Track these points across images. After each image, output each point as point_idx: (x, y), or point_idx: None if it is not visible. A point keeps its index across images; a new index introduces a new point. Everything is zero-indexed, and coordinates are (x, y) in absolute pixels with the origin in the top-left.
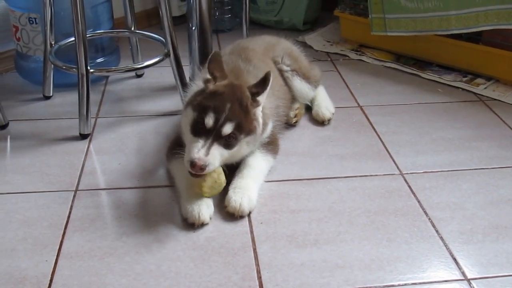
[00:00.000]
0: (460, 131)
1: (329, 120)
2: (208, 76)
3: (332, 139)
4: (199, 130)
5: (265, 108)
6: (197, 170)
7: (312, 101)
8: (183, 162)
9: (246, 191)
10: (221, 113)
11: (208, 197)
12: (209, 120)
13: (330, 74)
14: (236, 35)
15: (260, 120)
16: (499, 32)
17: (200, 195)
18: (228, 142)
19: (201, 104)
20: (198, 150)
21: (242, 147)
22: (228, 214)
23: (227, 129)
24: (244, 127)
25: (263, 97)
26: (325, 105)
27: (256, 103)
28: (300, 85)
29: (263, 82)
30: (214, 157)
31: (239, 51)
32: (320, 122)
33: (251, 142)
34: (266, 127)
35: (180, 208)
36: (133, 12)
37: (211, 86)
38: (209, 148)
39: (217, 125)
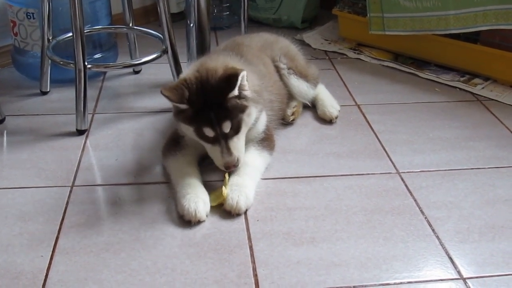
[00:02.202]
0: (457, 131)
1: (336, 117)
2: (182, 107)
3: (329, 138)
4: (207, 138)
5: (253, 85)
6: (233, 168)
7: (315, 100)
8: (180, 159)
9: (243, 188)
10: (213, 123)
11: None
12: (209, 132)
13: (328, 72)
14: (234, 32)
15: (247, 94)
16: (497, 32)
17: (197, 193)
18: (234, 130)
19: (190, 119)
20: (223, 154)
21: (246, 122)
22: (225, 211)
23: (226, 126)
24: (234, 112)
25: (235, 92)
26: (330, 103)
27: (226, 101)
28: (297, 83)
29: (228, 83)
30: (236, 148)
31: (233, 46)
32: (328, 121)
33: (250, 113)
34: (257, 106)
35: (176, 205)
36: (131, 8)
37: (181, 106)
38: (228, 147)
39: (217, 130)
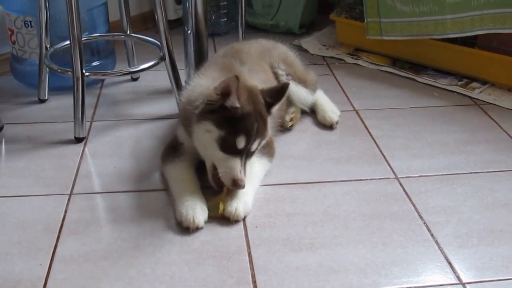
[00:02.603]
0: (455, 135)
1: (336, 122)
2: (235, 104)
3: (327, 143)
4: (229, 148)
5: None
6: (237, 188)
7: (314, 106)
8: (178, 165)
9: (242, 195)
10: (252, 135)
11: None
12: (241, 142)
13: (326, 78)
14: (232, 38)
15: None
16: (495, 36)
17: (196, 201)
18: (253, 153)
19: (228, 123)
20: (240, 171)
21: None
22: (223, 218)
23: (256, 146)
24: (264, 138)
25: (276, 107)
26: (330, 108)
27: (269, 114)
28: (296, 89)
29: (279, 93)
30: (248, 170)
31: (233, 53)
32: (328, 126)
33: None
34: None
35: (174, 212)
36: (129, 16)
37: (235, 103)
38: (244, 167)
39: (248, 145)
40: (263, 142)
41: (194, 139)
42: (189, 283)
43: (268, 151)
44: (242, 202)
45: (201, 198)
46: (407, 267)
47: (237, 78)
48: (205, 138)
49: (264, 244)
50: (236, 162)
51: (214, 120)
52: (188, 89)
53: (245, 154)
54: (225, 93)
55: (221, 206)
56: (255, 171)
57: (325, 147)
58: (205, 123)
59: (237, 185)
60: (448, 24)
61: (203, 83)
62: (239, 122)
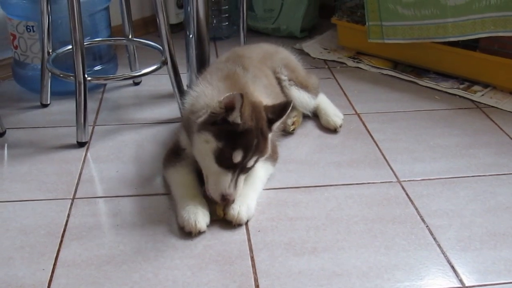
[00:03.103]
0: (457, 138)
1: (340, 126)
2: (237, 120)
3: (329, 147)
4: (225, 162)
5: None
6: (225, 202)
7: (317, 110)
8: (180, 170)
9: (245, 199)
10: (249, 151)
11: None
12: (238, 156)
13: (327, 81)
14: (233, 42)
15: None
16: (496, 39)
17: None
18: (248, 169)
19: (228, 137)
20: (229, 186)
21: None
22: (226, 222)
23: (252, 163)
24: (263, 154)
25: (278, 124)
26: (333, 112)
27: (270, 130)
28: (298, 94)
29: (282, 110)
30: (239, 188)
31: (235, 58)
32: (332, 130)
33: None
34: None
35: (176, 217)
36: (131, 20)
37: (237, 119)
38: (236, 181)
39: (244, 161)
40: (262, 158)
41: (193, 148)
42: None
43: (272, 155)
44: (245, 206)
45: (202, 203)
46: (409, 270)
47: (242, 96)
48: (204, 148)
49: (266, 248)
50: (227, 177)
51: (214, 132)
52: (192, 97)
53: (239, 169)
54: (229, 107)
55: (219, 211)
56: (258, 175)
57: (327, 151)
58: (205, 134)
59: (225, 200)
60: (450, 27)
61: (208, 93)
62: (239, 137)
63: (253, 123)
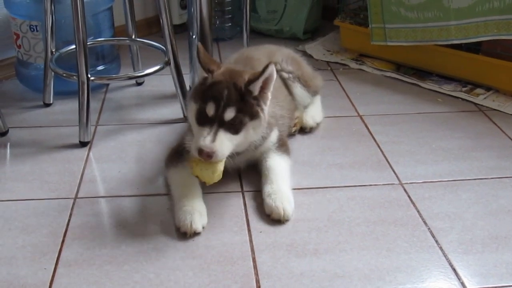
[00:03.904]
0: (459, 141)
1: (311, 128)
2: (204, 74)
3: (331, 149)
4: (203, 119)
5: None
6: (205, 158)
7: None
8: (181, 171)
9: (283, 194)
10: (220, 100)
11: (197, 176)
12: (210, 109)
13: (330, 83)
14: (236, 43)
15: (265, 110)
16: (499, 43)
17: (192, 199)
18: (233, 127)
19: (200, 94)
20: (204, 138)
21: (248, 132)
22: (226, 222)
23: (229, 114)
24: (246, 110)
25: (257, 86)
26: (311, 113)
27: (249, 93)
28: (300, 92)
29: (261, 72)
30: (221, 142)
31: (244, 60)
32: (302, 128)
33: (257, 128)
34: (271, 127)
35: (174, 217)
36: (134, 20)
37: (209, 78)
38: (215, 135)
39: (219, 112)
40: (240, 119)
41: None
42: None
43: (286, 149)
44: (286, 201)
45: (200, 204)
46: (411, 273)
47: (198, 48)
48: (190, 118)
49: (268, 249)
50: (203, 130)
51: (194, 97)
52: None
53: (218, 123)
54: (205, 68)
55: (195, 170)
56: (283, 168)
57: (329, 152)
58: (190, 103)
59: (203, 153)
60: (453, 30)
61: None
62: (208, 89)
63: (224, 78)
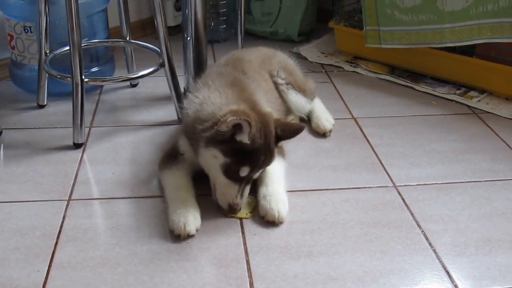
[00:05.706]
0: (453, 144)
1: (330, 131)
2: (246, 140)
3: (326, 151)
4: (232, 175)
5: None
6: (233, 212)
7: (310, 114)
8: (175, 173)
9: (278, 196)
10: (256, 166)
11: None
12: (245, 172)
13: (324, 85)
14: (231, 45)
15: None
16: (493, 46)
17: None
18: (253, 180)
19: (236, 154)
20: (236, 196)
21: None
22: (220, 225)
23: (258, 174)
24: (269, 165)
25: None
26: (324, 116)
27: (276, 146)
28: (295, 98)
29: (293, 132)
30: (245, 195)
31: (234, 62)
32: (321, 134)
33: None
34: None
35: (167, 220)
36: (128, 22)
37: (245, 140)
38: (243, 191)
39: (250, 174)
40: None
41: (200, 159)
42: None
43: (279, 151)
44: (281, 203)
45: (194, 206)
46: (405, 275)
47: (250, 124)
48: (211, 162)
49: (262, 251)
50: (234, 188)
51: (222, 149)
52: (196, 102)
53: (246, 181)
54: (236, 127)
55: (227, 214)
56: (278, 171)
57: (324, 155)
58: (212, 150)
59: (232, 209)
60: (447, 33)
61: (215, 101)
62: (247, 154)
63: (262, 141)
